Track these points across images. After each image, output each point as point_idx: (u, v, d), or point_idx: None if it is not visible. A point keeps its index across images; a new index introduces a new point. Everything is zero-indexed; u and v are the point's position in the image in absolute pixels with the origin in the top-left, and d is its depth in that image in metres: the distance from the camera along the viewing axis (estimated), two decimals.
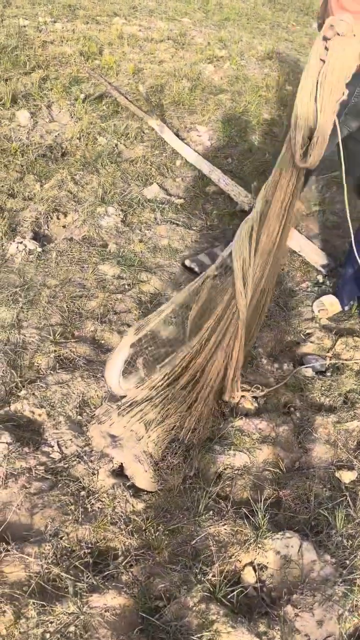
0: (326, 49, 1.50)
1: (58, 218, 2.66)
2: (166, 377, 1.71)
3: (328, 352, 2.15)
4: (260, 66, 5.12)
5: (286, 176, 1.69)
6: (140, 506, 1.55)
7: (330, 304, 2.33)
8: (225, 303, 1.72)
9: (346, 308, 2.37)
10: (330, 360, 2.11)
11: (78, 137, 3.31)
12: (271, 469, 1.72)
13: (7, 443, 1.60)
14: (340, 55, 1.48)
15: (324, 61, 1.50)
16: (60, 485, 1.55)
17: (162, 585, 1.37)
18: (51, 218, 2.65)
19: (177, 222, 2.80)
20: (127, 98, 3.80)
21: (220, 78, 4.72)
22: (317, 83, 1.52)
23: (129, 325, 2.13)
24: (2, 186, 2.79)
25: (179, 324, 1.89)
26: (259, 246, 1.71)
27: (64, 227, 2.64)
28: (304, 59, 5.56)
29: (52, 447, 1.66)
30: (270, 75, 4.89)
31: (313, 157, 1.61)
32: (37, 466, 1.60)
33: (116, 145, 3.36)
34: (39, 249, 2.42)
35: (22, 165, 2.98)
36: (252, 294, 1.72)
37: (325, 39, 1.49)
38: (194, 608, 1.33)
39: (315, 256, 2.67)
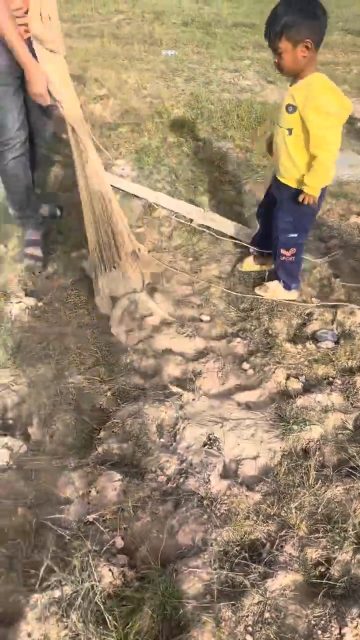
0: None
1: (39, 272, 2.68)
2: None
3: (332, 324, 2.42)
4: (140, 96, 5.43)
5: None
6: (258, 496, 1.67)
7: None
8: None
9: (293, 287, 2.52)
10: (337, 330, 2.37)
11: None
12: (342, 431, 1.92)
13: (120, 480, 1.64)
14: None
15: None
16: (183, 502, 1.62)
17: (316, 552, 1.51)
18: (33, 274, 2.66)
19: (148, 249, 2.94)
20: None
21: (110, 114, 4.95)
22: None
23: (162, 351, 2.23)
24: None
25: None
26: None
27: (47, 278, 2.66)
28: (172, 84, 6.00)
29: (155, 472, 1.73)
30: (153, 103, 5.21)
31: None
32: (153, 492, 1.65)
33: (53, 193, 3.42)
34: (40, 303, 2.43)
35: None
36: None
37: None
38: (352, 561, 1.48)
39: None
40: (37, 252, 2.74)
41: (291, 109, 2.06)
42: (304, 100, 2.00)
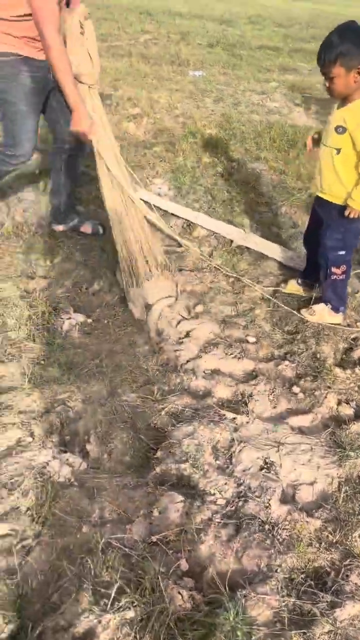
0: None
1: (86, 288, 2.71)
2: None
3: None
4: (172, 115, 5.52)
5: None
6: (318, 523, 1.67)
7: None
8: None
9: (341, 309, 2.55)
10: None
11: None
12: None
13: (182, 502, 1.64)
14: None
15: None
16: (244, 526, 1.62)
17: None
18: (80, 290, 2.69)
19: (189, 268, 2.97)
20: None
21: (144, 133, 5.03)
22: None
23: (211, 372, 2.25)
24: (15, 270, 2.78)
25: None
26: None
27: (93, 294, 2.69)
28: (201, 104, 6.09)
29: (214, 495, 1.73)
30: (186, 123, 5.30)
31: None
32: (214, 515, 1.65)
33: (95, 210, 3.47)
34: (89, 320, 2.46)
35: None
36: None
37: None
38: None
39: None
40: None
41: (341, 130, 2.19)
42: (355, 123, 2.13)
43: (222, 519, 1.65)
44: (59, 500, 1.62)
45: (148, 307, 2.51)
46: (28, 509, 1.59)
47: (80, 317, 2.46)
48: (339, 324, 2.54)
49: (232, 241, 3.20)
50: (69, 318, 2.43)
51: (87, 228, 3.16)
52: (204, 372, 2.25)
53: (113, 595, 1.37)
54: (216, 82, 7.14)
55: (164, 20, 12.29)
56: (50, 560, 1.48)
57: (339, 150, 2.22)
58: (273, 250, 3.06)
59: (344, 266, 2.43)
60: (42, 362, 2.20)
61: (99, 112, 2.54)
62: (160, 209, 3.54)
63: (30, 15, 2.25)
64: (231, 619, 1.35)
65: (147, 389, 2.13)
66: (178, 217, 3.47)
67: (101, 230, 3.16)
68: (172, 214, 3.49)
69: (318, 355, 2.35)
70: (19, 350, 2.22)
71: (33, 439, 1.85)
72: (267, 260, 3.06)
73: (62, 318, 2.45)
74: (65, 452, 1.81)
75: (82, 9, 2.35)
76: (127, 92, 6.10)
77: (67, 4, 2.46)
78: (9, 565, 1.45)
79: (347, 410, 2.09)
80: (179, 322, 2.47)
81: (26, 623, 1.34)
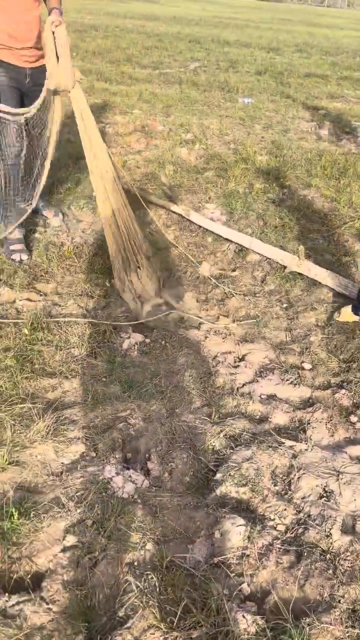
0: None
1: (141, 308, 2.78)
2: None
3: None
4: (223, 141, 5.63)
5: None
6: None
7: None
8: None
9: None
10: None
11: None
12: None
13: (244, 525, 1.66)
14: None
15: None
16: (305, 554, 1.63)
17: None
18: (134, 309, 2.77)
19: (242, 292, 3.02)
20: (139, 191, 4.07)
21: (196, 158, 5.14)
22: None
23: (267, 397, 2.27)
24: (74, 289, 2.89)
25: None
26: None
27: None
28: (251, 130, 6.19)
29: (274, 520, 1.74)
30: (237, 149, 5.39)
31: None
32: (274, 541, 1.66)
33: (150, 233, 3.57)
34: (147, 340, 2.52)
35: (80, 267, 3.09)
36: None
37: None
38: None
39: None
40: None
41: None
42: None
43: (282, 545, 1.66)
44: (123, 516, 1.66)
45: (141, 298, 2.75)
46: (94, 522, 1.64)
47: (138, 337, 2.53)
48: None
49: (285, 267, 3.23)
50: (129, 337, 2.50)
51: (49, 213, 3.47)
52: (260, 396, 2.28)
53: (179, 613, 1.39)
54: (265, 109, 7.26)
55: (212, 49, 12.59)
56: (116, 574, 1.52)
57: None
58: (326, 277, 3.08)
59: None
60: (104, 379, 2.27)
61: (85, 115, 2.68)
62: (214, 233, 3.61)
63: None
64: None
65: (205, 410, 2.17)
66: (231, 241, 3.53)
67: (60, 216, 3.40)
68: (226, 239, 3.55)
69: None
70: (82, 366, 2.30)
71: (96, 454, 1.91)
72: (321, 287, 3.07)
73: (121, 337, 2.52)
74: (128, 468, 1.86)
75: (53, 18, 2.52)
76: (179, 119, 6.26)
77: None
78: (78, 576, 1.49)
79: None
80: (234, 346, 2.51)
81: (94, 635, 1.38)
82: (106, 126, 5.72)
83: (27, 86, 2.92)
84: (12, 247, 3.03)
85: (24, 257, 3.02)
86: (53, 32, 2.51)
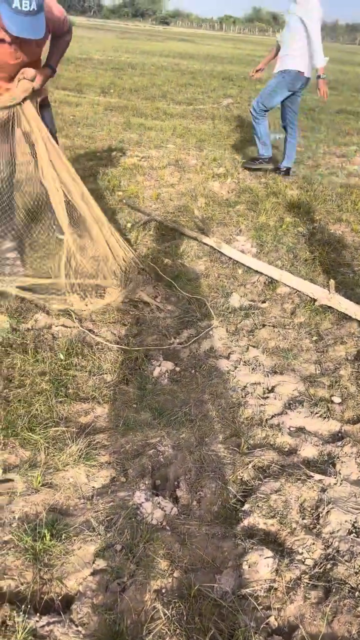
0: None
1: (174, 337, 2.84)
2: None
3: None
4: (253, 176, 5.74)
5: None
6: None
7: None
8: None
9: None
10: None
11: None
12: None
13: (272, 558, 1.66)
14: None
15: None
16: (333, 590, 1.61)
17: None
18: (167, 338, 2.82)
19: (272, 324, 3.05)
20: (170, 222, 4.18)
21: (227, 192, 5.26)
22: None
23: (296, 429, 2.28)
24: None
25: None
26: None
27: (180, 344, 2.82)
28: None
29: (302, 554, 1.73)
30: (267, 184, 5.50)
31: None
32: (302, 575, 1.65)
33: (182, 264, 3.65)
34: (177, 368, 2.57)
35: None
36: None
37: None
38: None
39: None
40: None
41: None
42: None
43: (310, 580, 1.65)
44: (152, 542, 1.68)
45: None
46: (123, 547, 1.66)
47: (169, 365, 2.58)
48: None
49: (315, 300, 3.26)
50: (159, 365, 2.56)
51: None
52: (289, 428, 2.28)
53: None
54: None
55: (245, 86, 12.93)
56: (144, 600, 1.53)
57: None
58: (357, 311, 3.09)
59: None
60: (135, 405, 2.32)
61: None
62: (245, 265, 3.68)
63: None
64: None
65: (234, 440, 2.19)
66: (261, 273, 3.58)
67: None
68: (256, 271, 3.61)
69: None
70: (114, 392, 2.36)
71: (126, 479, 1.94)
72: (351, 321, 3.08)
73: (152, 364, 2.57)
74: (157, 495, 1.89)
75: (31, 74, 2.76)
76: (212, 153, 6.43)
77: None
78: (107, 600, 1.51)
79: None
80: (263, 377, 2.54)
81: None
82: (141, 159, 5.91)
83: None
84: None
85: None
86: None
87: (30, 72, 2.76)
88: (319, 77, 5.20)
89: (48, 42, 2.98)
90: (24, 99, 2.76)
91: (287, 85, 5.21)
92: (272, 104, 5.35)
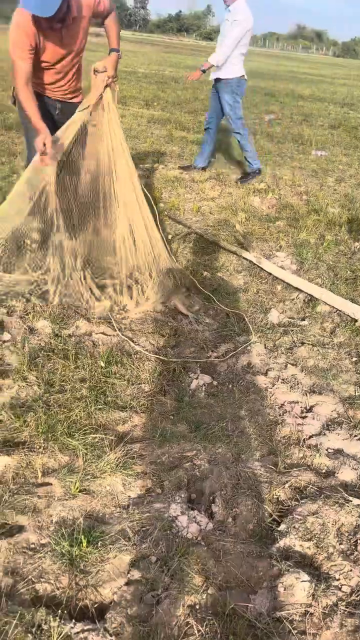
0: None
1: (212, 351, 2.84)
2: None
3: None
4: (295, 192, 5.73)
5: None
6: None
7: None
8: None
9: None
10: None
11: None
12: None
13: (309, 582, 1.63)
14: None
15: None
16: None
17: None
18: (206, 351, 2.82)
19: (311, 342, 3.02)
20: (209, 236, 4.19)
21: (268, 207, 5.26)
22: None
23: (334, 451, 2.24)
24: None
25: None
26: None
27: (217, 357, 2.81)
28: (324, 183, 6.25)
29: (338, 579, 1.69)
30: (309, 200, 5.47)
31: None
32: (339, 602, 1.62)
33: (221, 278, 3.66)
34: (214, 382, 2.57)
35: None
36: None
37: None
38: None
39: None
40: None
41: None
42: None
43: (347, 608, 1.61)
44: (187, 557, 1.67)
45: None
46: (158, 559, 1.66)
47: (207, 378, 2.58)
48: None
49: (356, 320, 3.21)
50: (197, 377, 2.56)
51: None
52: (327, 450, 2.25)
53: None
54: (338, 162, 7.34)
55: (287, 102, 12.94)
56: (178, 615, 1.52)
57: None
58: None
59: None
60: (172, 417, 2.32)
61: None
62: (284, 282, 3.66)
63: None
64: None
65: (271, 459, 2.16)
66: (301, 291, 3.55)
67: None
68: (295, 288, 3.58)
69: None
70: (151, 402, 2.37)
71: (162, 491, 1.94)
72: None
73: (190, 377, 2.58)
74: (193, 509, 1.88)
75: (109, 73, 3.02)
76: None
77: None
78: (141, 612, 1.51)
79: None
80: (301, 396, 2.51)
81: None
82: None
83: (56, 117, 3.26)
84: None
85: None
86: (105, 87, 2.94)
87: (98, 65, 2.94)
88: (202, 68, 5.48)
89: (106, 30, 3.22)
90: (105, 87, 3.01)
91: (236, 91, 5.48)
92: (241, 112, 5.63)
